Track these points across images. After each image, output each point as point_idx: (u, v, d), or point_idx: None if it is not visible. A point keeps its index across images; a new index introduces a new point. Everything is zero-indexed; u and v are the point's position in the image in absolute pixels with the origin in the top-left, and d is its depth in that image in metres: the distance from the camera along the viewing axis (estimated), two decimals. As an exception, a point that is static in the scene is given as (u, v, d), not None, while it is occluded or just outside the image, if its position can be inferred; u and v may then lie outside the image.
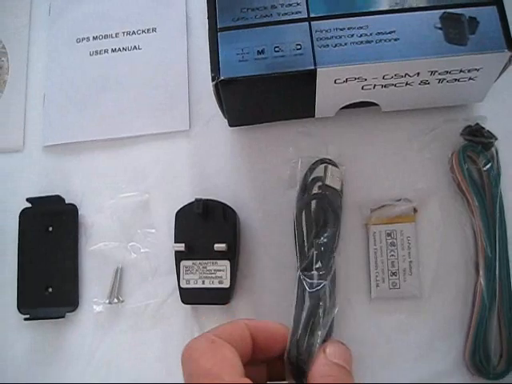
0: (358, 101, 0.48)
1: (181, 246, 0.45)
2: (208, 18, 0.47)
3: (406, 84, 0.46)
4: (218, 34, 0.46)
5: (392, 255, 0.48)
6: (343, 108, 0.49)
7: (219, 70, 0.44)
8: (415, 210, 0.48)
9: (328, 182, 0.45)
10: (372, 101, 0.48)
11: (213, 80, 0.45)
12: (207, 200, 0.47)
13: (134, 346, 0.49)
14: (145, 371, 0.48)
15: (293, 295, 0.46)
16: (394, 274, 0.47)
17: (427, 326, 0.47)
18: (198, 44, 0.54)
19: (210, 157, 0.51)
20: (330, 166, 0.45)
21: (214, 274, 0.46)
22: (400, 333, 0.47)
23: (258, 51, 0.45)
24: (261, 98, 0.47)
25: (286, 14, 0.46)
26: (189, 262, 0.47)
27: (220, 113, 0.51)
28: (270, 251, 0.49)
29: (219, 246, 0.45)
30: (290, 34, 0.45)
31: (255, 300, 0.48)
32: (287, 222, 0.48)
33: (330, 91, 0.46)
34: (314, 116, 0.50)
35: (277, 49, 0.45)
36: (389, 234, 0.48)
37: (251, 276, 0.48)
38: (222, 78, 0.44)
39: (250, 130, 0.51)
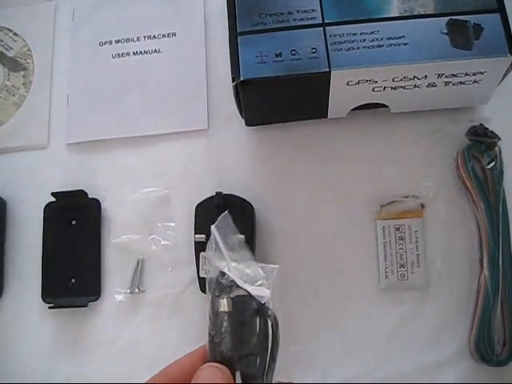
0: (368, 102, 0.50)
1: (202, 237, 0.48)
2: (228, 22, 0.49)
3: (415, 86, 0.48)
4: (238, 37, 0.49)
5: (400, 248, 0.50)
6: (354, 109, 0.52)
7: (239, 71, 0.47)
8: (422, 206, 0.51)
9: None
10: (382, 102, 0.51)
11: (233, 81, 0.47)
12: (226, 194, 0.49)
13: (154, 335, 0.51)
14: (165, 359, 0.50)
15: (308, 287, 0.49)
16: (402, 266, 0.50)
17: (433, 316, 0.49)
18: (216, 48, 0.57)
19: (227, 154, 0.54)
20: None
21: (232, 264, 0.48)
22: (407, 322, 0.49)
23: (276, 54, 0.48)
24: (277, 98, 0.50)
25: (301, 19, 0.49)
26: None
27: (237, 113, 0.53)
28: (284, 244, 0.51)
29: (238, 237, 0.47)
30: (305, 38, 0.48)
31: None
32: (300, 216, 0.51)
33: (342, 93, 0.49)
34: (326, 117, 0.53)
35: (293, 52, 0.47)
36: (397, 229, 0.51)
37: (268, 268, 0.50)
38: (242, 78, 0.47)
39: (266, 129, 0.53)
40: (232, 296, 0.34)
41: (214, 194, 0.50)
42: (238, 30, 0.49)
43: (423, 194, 0.51)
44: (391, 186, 0.51)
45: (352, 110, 0.52)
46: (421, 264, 0.50)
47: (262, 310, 0.34)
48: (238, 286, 0.34)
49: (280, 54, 0.48)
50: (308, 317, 0.50)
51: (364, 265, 0.50)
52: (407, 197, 0.51)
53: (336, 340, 0.50)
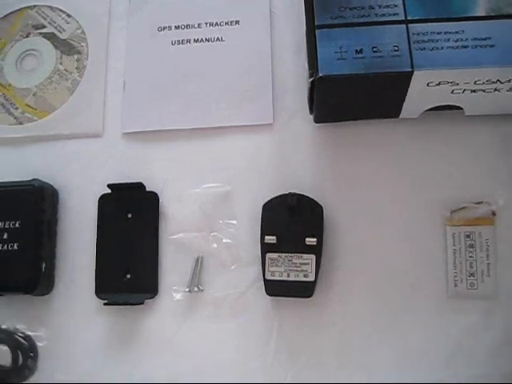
0: (444, 104, 0.49)
1: (272, 239, 0.46)
2: (305, 14, 0.47)
3: (495, 90, 0.47)
4: (316, 31, 0.47)
5: (470, 256, 0.49)
6: (427, 110, 0.50)
7: (317, 67, 0.45)
8: (493, 214, 0.49)
9: None
10: (458, 105, 0.49)
11: (310, 76, 0.45)
12: (297, 194, 0.47)
13: (212, 336, 0.50)
14: (222, 363, 0.49)
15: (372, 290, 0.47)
16: (471, 274, 0.49)
17: (501, 328, 0.48)
18: (282, 39, 0.55)
19: (293, 151, 0.52)
20: None
21: (300, 267, 0.47)
22: (473, 332, 0.48)
23: (357, 50, 0.46)
24: (352, 96, 0.48)
25: (383, 15, 0.47)
26: (274, 255, 0.47)
27: (303, 108, 0.51)
28: (349, 246, 0.49)
29: (310, 240, 0.46)
30: (387, 35, 0.46)
31: (336, 295, 0.49)
32: (367, 218, 0.50)
33: (420, 93, 0.47)
34: (398, 117, 0.51)
35: (375, 49, 0.45)
36: (468, 236, 0.49)
37: (333, 271, 0.49)
38: (320, 75, 0.45)
39: (335, 126, 0.51)
40: None
41: (282, 193, 0.49)
42: (316, 23, 0.47)
43: (495, 201, 0.49)
44: (461, 191, 0.50)
45: (425, 111, 0.50)
46: (491, 273, 0.49)
47: None
48: None
49: (361, 51, 0.46)
50: (370, 320, 0.49)
51: (431, 271, 0.49)
52: (479, 203, 0.49)
53: (397, 346, 0.48)
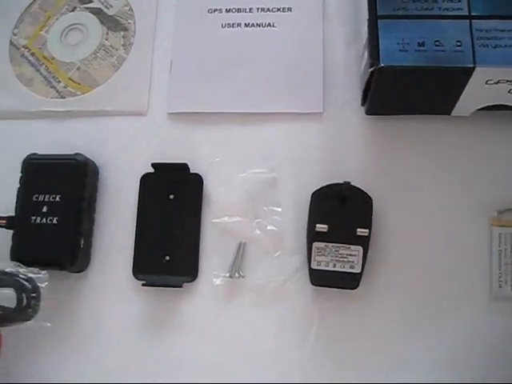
0: (499, 103, 0.48)
1: (324, 227, 0.46)
2: (368, 4, 0.47)
3: (553, 92, 0.46)
4: (378, 21, 0.46)
5: (516, 258, 0.48)
6: (479, 109, 0.50)
7: (379, 57, 0.44)
8: (541, 216, 0.49)
9: None
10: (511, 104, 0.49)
11: (371, 66, 0.45)
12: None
13: (251, 323, 0.49)
14: (260, 350, 0.48)
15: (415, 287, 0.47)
16: (517, 276, 0.48)
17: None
18: (333, 29, 0.54)
19: (342, 142, 0.51)
20: None
21: (346, 258, 0.46)
22: (516, 335, 0.47)
23: (419, 43, 0.45)
24: (409, 89, 0.48)
25: (446, 9, 0.46)
26: (321, 244, 0.47)
27: (354, 99, 0.51)
28: (397, 242, 0.49)
29: (362, 231, 0.45)
30: (450, 29, 0.46)
31: (379, 289, 0.48)
32: (413, 214, 0.49)
33: (477, 91, 0.47)
34: (449, 114, 0.50)
35: (437, 43, 0.45)
36: (514, 237, 0.49)
37: (377, 264, 0.48)
38: (381, 65, 0.44)
39: (385, 119, 0.51)
40: None
41: (331, 182, 0.47)
42: (378, 13, 0.47)
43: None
44: (509, 192, 0.49)
45: (477, 109, 0.49)
46: (537, 276, 0.48)
47: None
48: None
49: (423, 44, 0.45)
50: (411, 317, 0.48)
51: (475, 271, 0.49)
52: (527, 205, 0.49)
53: (437, 345, 0.48)
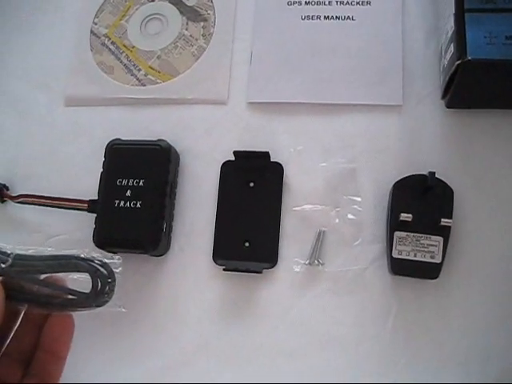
0: None
1: (408, 217, 0.46)
2: (455, -3, 0.47)
3: None
4: (466, 14, 0.46)
5: None
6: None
7: (466, 50, 0.45)
8: None
9: None
10: None
11: (458, 59, 0.45)
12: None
13: (329, 311, 0.49)
14: (338, 338, 0.49)
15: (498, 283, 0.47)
16: None
17: None
18: (412, 24, 0.55)
19: (421, 134, 0.52)
20: None
21: (427, 248, 0.47)
22: None
23: (507, 37, 0.46)
24: (494, 83, 0.48)
25: (536, 2, 0.46)
26: (403, 234, 0.47)
27: (433, 93, 0.51)
28: (477, 235, 0.49)
29: (446, 221, 0.46)
30: (539, 23, 0.46)
31: (459, 280, 0.48)
32: (492, 212, 0.50)
33: None
34: (531, 110, 0.50)
35: (526, 36, 0.45)
36: None
37: (456, 256, 0.48)
38: (469, 58, 0.45)
39: (467, 113, 0.51)
40: None
41: (412, 173, 0.48)
42: (466, 7, 0.47)
43: None
44: None
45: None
46: None
47: None
48: None
49: (511, 37, 0.45)
50: (491, 310, 0.48)
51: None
52: None
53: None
